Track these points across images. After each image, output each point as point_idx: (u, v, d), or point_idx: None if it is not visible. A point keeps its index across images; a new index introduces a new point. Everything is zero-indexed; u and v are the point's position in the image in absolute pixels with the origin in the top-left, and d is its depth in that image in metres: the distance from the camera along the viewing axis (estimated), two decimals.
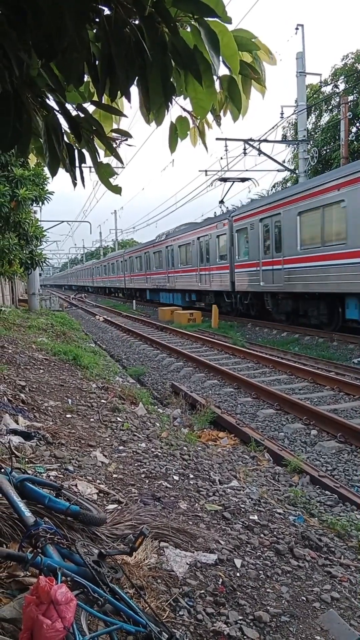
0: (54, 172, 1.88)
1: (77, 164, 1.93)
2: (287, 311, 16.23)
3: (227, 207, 22.09)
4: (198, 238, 22.81)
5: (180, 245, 25.39)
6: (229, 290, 19.78)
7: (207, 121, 2.14)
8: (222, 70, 1.76)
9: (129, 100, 1.66)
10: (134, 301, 33.32)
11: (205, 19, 1.55)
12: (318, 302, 14.38)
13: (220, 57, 1.60)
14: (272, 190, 31.23)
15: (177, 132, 2.02)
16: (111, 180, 2.08)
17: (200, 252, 22.63)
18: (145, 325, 20.82)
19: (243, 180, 21.26)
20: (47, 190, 9.80)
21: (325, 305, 14.10)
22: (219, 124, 2.10)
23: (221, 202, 21.87)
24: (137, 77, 1.63)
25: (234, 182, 21.38)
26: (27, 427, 4.74)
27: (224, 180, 21.43)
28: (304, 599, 2.74)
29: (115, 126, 2.13)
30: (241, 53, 1.82)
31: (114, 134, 2.10)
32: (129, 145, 2.21)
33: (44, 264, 12.51)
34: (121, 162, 1.97)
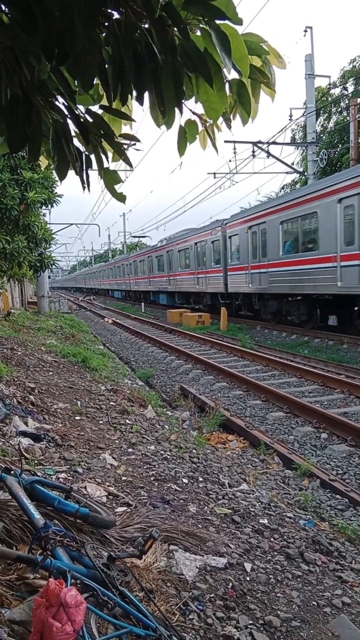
0: (62, 176, 1.88)
1: (84, 168, 1.94)
2: (141, 298, 38.61)
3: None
4: (122, 264, 44.47)
5: (117, 267, 47.71)
6: (131, 290, 42.09)
7: (217, 124, 2.14)
8: (232, 74, 1.76)
9: (142, 104, 1.66)
10: (143, 303, 34.42)
11: (216, 21, 1.55)
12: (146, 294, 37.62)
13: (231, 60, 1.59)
14: (280, 192, 31.36)
15: (186, 136, 2.02)
16: (116, 187, 2.08)
17: (123, 271, 43.99)
18: (154, 328, 20.83)
19: (141, 236, 48.40)
20: (56, 193, 9.83)
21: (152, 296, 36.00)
22: (229, 127, 2.09)
23: (121, 252, 40.88)
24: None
25: (139, 238, 49.19)
26: (36, 429, 4.76)
27: (136, 236, 49.78)
28: (315, 603, 2.71)
29: (123, 129, 2.13)
30: (251, 57, 1.82)
31: (121, 139, 2.10)
32: (137, 150, 2.22)
33: (53, 267, 12.55)
34: (130, 165, 1.97)
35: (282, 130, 20.74)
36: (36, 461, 3.87)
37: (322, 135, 28.32)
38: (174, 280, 27.99)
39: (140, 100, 1.64)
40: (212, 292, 22.55)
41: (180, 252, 26.82)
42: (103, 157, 1.97)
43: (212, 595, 2.59)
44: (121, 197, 2.14)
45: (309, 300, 15.52)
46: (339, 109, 28.52)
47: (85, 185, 1.93)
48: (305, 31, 19.54)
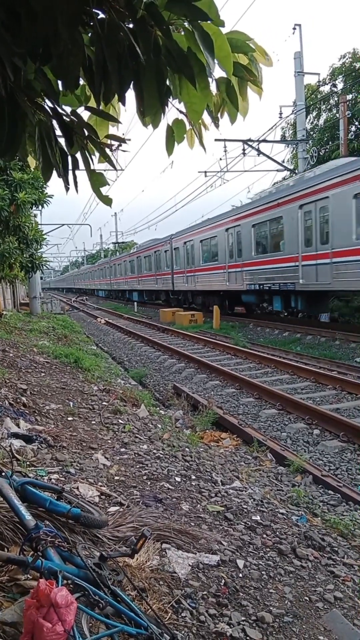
0: (47, 177, 1.88)
1: (70, 169, 1.92)
2: (119, 296, 47.97)
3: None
4: (104, 267, 52.01)
5: (100, 269, 55.60)
6: (112, 289, 49.39)
7: (204, 123, 2.14)
8: (219, 72, 1.76)
9: (124, 104, 1.66)
10: (136, 303, 34.63)
11: (199, 22, 1.55)
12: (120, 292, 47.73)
13: (215, 59, 1.60)
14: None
15: (173, 135, 2.02)
16: (102, 190, 2.06)
17: (104, 273, 51.27)
18: (147, 327, 20.82)
19: (121, 242, 58.54)
20: (46, 193, 9.81)
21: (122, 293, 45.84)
22: (217, 126, 2.10)
23: (113, 252, 50.12)
24: (132, 81, 1.63)
25: (119, 243, 59.77)
26: (28, 430, 4.75)
27: (115, 243, 61.29)
28: (307, 599, 2.73)
29: (112, 130, 2.13)
30: (237, 55, 1.82)
31: (108, 140, 2.09)
32: (124, 151, 2.21)
33: (45, 268, 12.51)
34: (115, 168, 1.98)
35: (272, 128, 20.89)
36: (28, 462, 3.86)
37: (312, 132, 28.41)
38: (142, 281, 35.66)
39: (122, 100, 1.64)
40: (165, 290, 30.55)
41: (146, 258, 34.11)
42: (90, 158, 1.96)
43: (205, 592, 2.60)
44: (107, 200, 2.11)
45: (219, 295, 22.38)
46: (329, 106, 28.62)
47: (69, 187, 1.92)
48: (294, 29, 19.63)
